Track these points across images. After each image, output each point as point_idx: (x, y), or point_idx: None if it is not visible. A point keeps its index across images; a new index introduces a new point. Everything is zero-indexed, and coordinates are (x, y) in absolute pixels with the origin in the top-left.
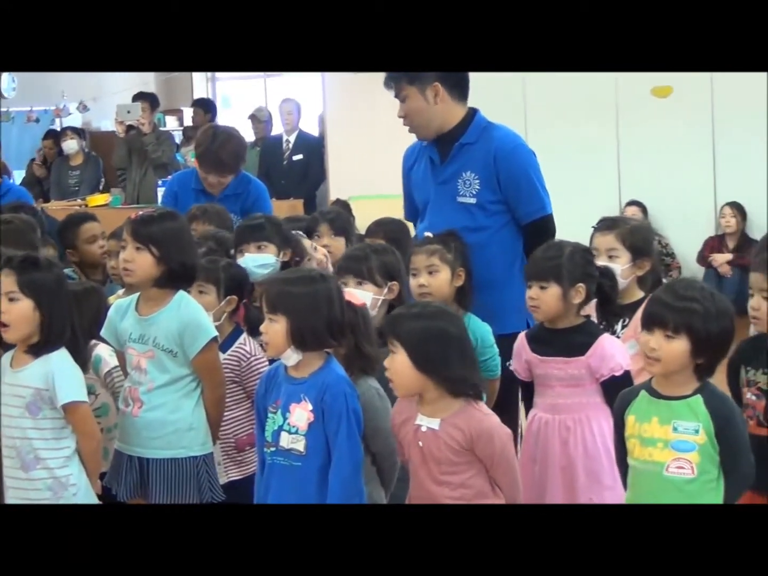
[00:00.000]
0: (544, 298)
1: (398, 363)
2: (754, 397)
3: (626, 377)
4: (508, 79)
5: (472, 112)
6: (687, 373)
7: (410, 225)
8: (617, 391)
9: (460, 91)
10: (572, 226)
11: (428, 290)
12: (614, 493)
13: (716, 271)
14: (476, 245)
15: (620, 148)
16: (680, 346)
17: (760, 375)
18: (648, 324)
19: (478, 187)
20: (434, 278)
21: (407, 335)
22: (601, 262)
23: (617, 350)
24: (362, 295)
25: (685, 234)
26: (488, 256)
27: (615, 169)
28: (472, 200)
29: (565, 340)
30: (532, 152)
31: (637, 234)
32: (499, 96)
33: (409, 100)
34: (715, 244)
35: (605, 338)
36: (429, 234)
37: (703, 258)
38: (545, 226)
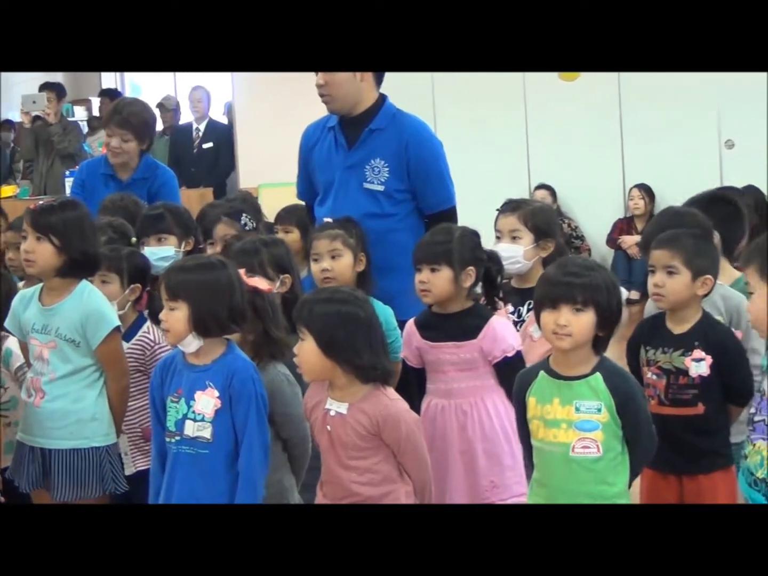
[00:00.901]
0: (435, 282)
1: (306, 349)
2: (654, 377)
3: (518, 358)
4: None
5: (382, 99)
6: (586, 349)
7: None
8: (511, 372)
9: (381, 75)
10: (482, 211)
11: (331, 275)
12: (515, 473)
13: (625, 253)
14: (380, 231)
15: (529, 132)
16: (588, 318)
17: (659, 354)
18: (554, 301)
19: (387, 174)
20: (337, 263)
21: (315, 321)
22: (504, 243)
23: (508, 331)
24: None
25: (594, 216)
26: (392, 243)
27: (524, 153)
28: (380, 187)
29: (456, 324)
30: (441, 143)
31: (539, 215)
32: (407, 81)
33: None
34: (624, 226)
35: (495, 320)
36: (329, 219)
37: (612, 240)
38: (449, 217)
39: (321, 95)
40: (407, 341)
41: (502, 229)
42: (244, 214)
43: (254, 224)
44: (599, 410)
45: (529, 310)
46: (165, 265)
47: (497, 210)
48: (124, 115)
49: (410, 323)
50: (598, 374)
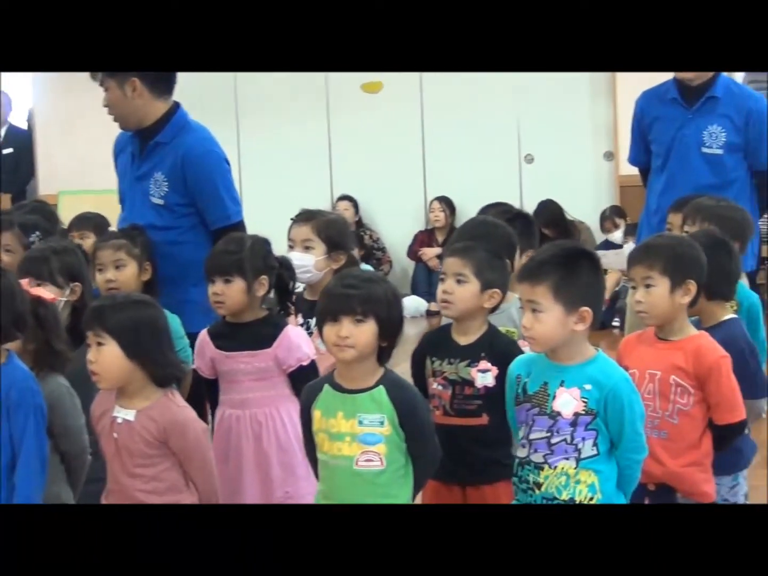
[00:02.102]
0: (229, 293)
1: (108, 354)
2: (440, 387)
3: (313, 367)
4: (218, 75)
5: (174, 109)
6: (370, 361)
7: None
8: (306, 381)
9: (163, 87)
10: (285, 221)
11: (115, 285)
12: (309, 484)
13: (426, 264)
14: (164, 244)
15: (332, 143)
16: (369, 329)
17: (446, 365)
18: (334, 314)
19: (166, 189)
20: (121, 273)
21: (117, 325)
22: (297, 252)
23: (303, 340)
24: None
25: (396, 228)
26: (175, 255)
27: (326, 164)
28: (161, 201)
29: (250, 334)
30: (225, 159)
31: (332, 227)
32: (210, 90)
33: (109, 92)
34: (424, 238)
35: (290, 329)
36: (113, 229)
37: (413, 252)
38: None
39: (110, 115)
40: (200, 352)
41: (295, 238)
42: (37, 232)
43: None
44: (382, 423)
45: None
46: None
47: (291, 219)
48: None
49: (203, 333)
50: (381, 387)
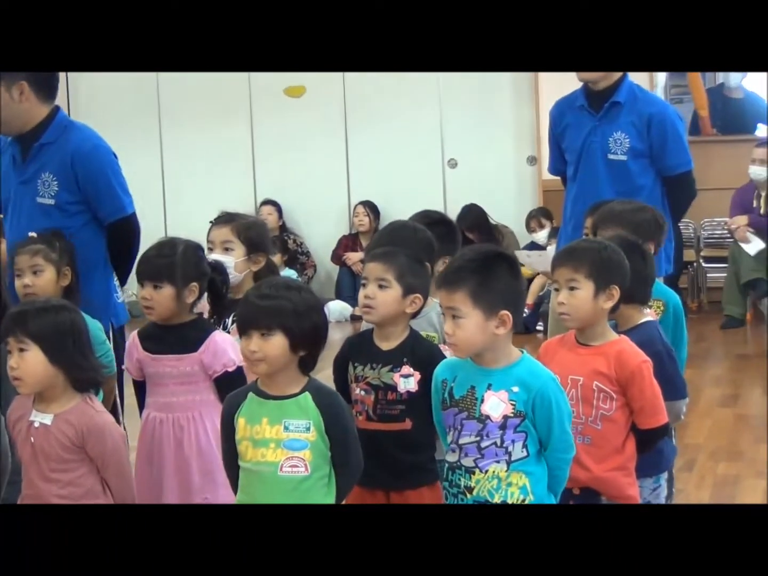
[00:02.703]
0: (158, 299)
1: (31, 359)
2: (362, 392)
3: (239, 373)
4: (140, 79)
5: (54, 111)
6: (292, 370)
7: None
8: (231, 388)
9: (48, 91)
10: (205, 226)
11: (33, 290)
12: (229, 491)
13: (350, 269)
14: None
15: (255, 147)
16: (278, 342)
17: (368, 370)
18: (243, 328)
19: (56, 188)
20: (39, 278)
21: (39, 330)
22: (216, 255)
23: (229, 345)
24: None
25: (320, 232)
26: None
27: (250, 169)
28: (51, 201)
29: (178, 337)
30: (112, 153)
31: (252, 229)
32: (132, 97)
33: None
34: (349, 242)
35: (217, 334)
36: (33, 234)
37: (337, 256)
38: (125, 226)
39: None
40: (130, 353)
41: (215, 240)
42: None
43: None
44: (308, 429)
45: (233, 322)
46: None
47: (210, 222)
48: None
49: (133, 334)
50: (307, 393)
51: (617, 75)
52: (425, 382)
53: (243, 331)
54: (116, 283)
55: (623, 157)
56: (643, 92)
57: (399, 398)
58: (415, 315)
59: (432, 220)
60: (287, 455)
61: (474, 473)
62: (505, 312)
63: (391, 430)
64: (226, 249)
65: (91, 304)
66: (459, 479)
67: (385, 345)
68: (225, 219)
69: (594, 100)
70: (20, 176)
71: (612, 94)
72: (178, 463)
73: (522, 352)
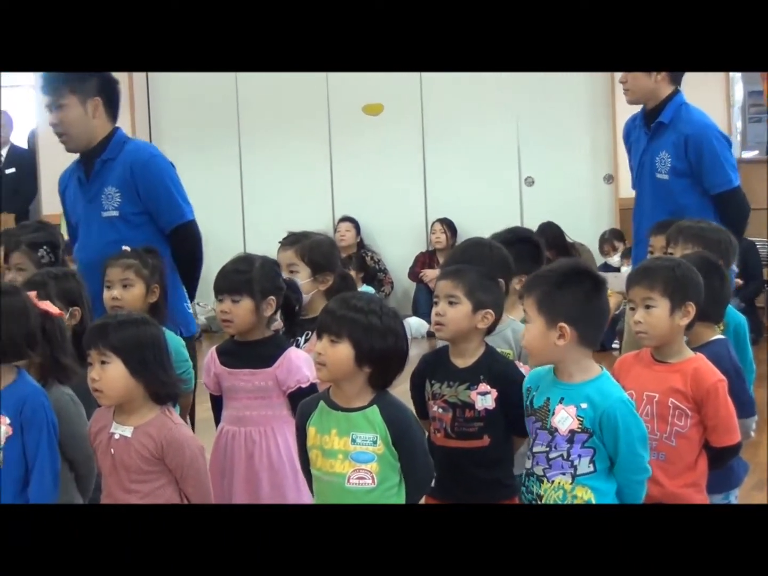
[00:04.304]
0: (237, 312)
1: (112, 371)
2: (440, 410)
3: (313, 389)
4: (220, 95)
5: (114, 130)
6: (359, 383)
7: None
8: None
9: (115, 109)
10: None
11: (121, 303)
12: None
13: (427, 286)
14: None
15: (333, 164)
16: (343, 350)
17: (445, 388)
18: (318, 331)
19: (119, 200)
20: (128, 292)
21: (121, 342)
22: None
23: (303, 362)
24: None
25: (397, 249)
26: None
27: (328, 186)
28: (116, 213)
29: (254, 352)
30: (170, 163)
31: (316, 249)
32: (213, 117)
33: (68, 109)
34: (426, 259)
35: (292, 350)
36: (126, 248)
37: (414, 273)
38: (186, 232)
39: (57, 134)
40: (208, 367)
41: (281, 262)
42: (44, 247)
43: (51, 258)
44: (375, 442)
45: (306, 341)
46: None
47: (278, 243)
48: None
49: (212, 350)
50: (375, 407)
51: (665, 94)
52: (502, 399)
53: (318, 334)
54: (185, 293)
55: (666, 177)
56: (689, 112)
57: (477, 416)
58: (489, 331)
59: (518, 237)
60: (354, 467)
61: (543, 482)
62: (564, 324)
63: (469, 447)
64: (292, 272)
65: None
66: (532, 486)
67: (461, 362)
68: (290, 241)
69: (648, 119)
70: (86, 194)
71: (659, 114)
72: (248, 475)
73: (602, 370)
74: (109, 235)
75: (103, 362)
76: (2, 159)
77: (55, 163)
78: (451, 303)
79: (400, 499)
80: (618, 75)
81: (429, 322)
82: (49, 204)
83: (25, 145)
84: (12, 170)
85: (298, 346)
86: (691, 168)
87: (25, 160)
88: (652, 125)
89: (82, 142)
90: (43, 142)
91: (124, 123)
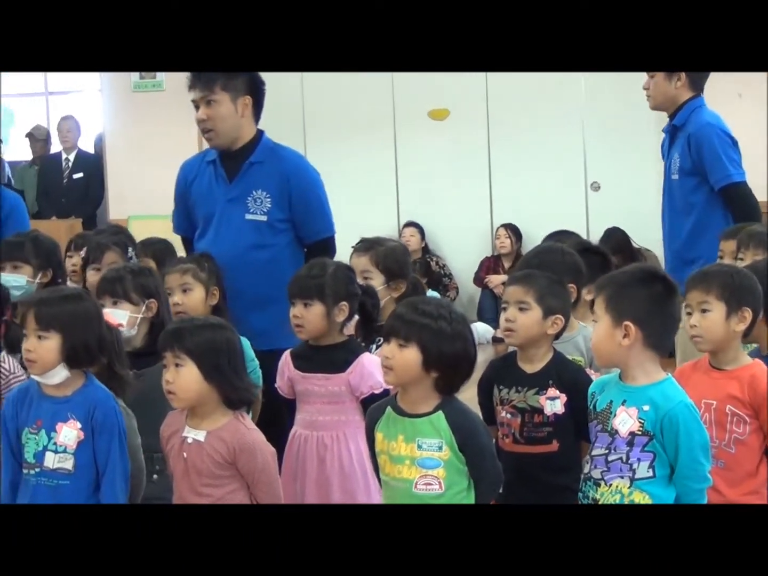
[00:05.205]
0: (308, 317)
1: (186, 375)
2: (509, 416)
3: (386, 395)
4: (286, 95)
5: (260, 133)
6: (426, 388)
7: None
8: None
9: (260, 110)
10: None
11: (182, 308)
12: None
13: (492, 291)
14: (263, 262)
15: (398, 169)
16: (411, 355)
17: (513, 393)
18: (386, 335)
19: (269, 205)
20: (188, 296)
21: (196, 346)
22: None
23: (376, 368)
24: (117, 314)
25: (462, 255)
26: (273, 274)
27: (393, 191)
28: (263, 218)
29: (327, 357)
30: (318, 173)
31: (390, 256)
32: (279, 115)
33: (218, 105)
34: (491, 264)
35: (365, 356)
36: (182, 255)
37: (479, 278)
38: (328, 246)
39: (203, 130)
40: (281, 371)
41: (355, 268)
42: (130, 248)
43: (133, 258)
44: (440, 448)
45: (377, 347)
46: (16, 294)
47: (352, 248)
48: None
49: (286, 353)
50: (440, 412)
51: (681, 100)
52: (571, 404)
53: (386, 337)
54: None
55: (677, 176)
56: (698, 114)
57: (546, 420)
58: (557, 336)
59: (585, 248)
60: (421, 473)
61: (600, 485)
62: (629, 323)
63: (537, 452)
64: (366, 278)
65: (285, 321)
66: (589, 490)
67: (530, 368)
68: (364, 247)
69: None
70: (227, 194)
71: (674, 117)
72: (319, 480)
73: (666, 374)
74: (250, 238)
75: (177, 365)
76: (70, 164)
77: (120, 168)
78: (521, 309)
79: (470, 501)
80: None
81: (494, 327)
82: (116, 209)
83: (91, 150)
84: (80, 175)
85: (370, 351)
86: (695, 166)
87: (93, 165)
88: (670, 130)
89: (228, 139)
90: (110, 147)
91: None
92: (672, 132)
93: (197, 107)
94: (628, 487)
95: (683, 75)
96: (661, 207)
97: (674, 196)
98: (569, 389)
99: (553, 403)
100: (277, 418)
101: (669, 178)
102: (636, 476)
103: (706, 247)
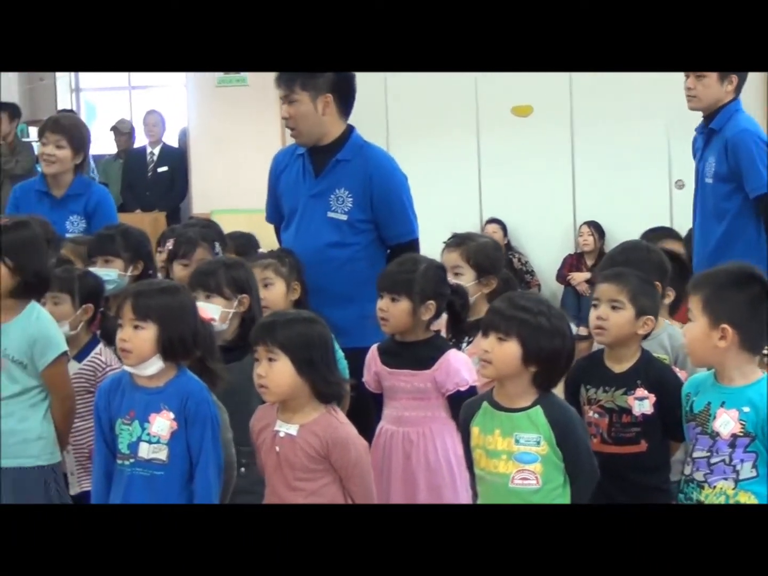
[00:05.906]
0: (393, 311)
1: (279, 368)
2: (596, 416)
3: (472, 392)
4: (369, 93)
5: (349, 129)
6: (524, 383)
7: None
8: None
9: (346, 107)
10: (434, 243)
11: (264, 303)
12: None
13: (575, 289)
14: (342, 260)
15: (481, 166)
16: (511, 349)
17: (600, 393)
18: (484, 329)
19: (350, 204)
20: (269, 291)
21: (289, 340)
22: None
23: (463, 365)
24: (210, 308)
25: (545, 252)
26: (352, 272)
27: (476, 187)
28: (344, 217)
29: (413, 353)
30: (405, 176)
31: (481, 252)
32: (361, 112)
33: (299, 104)
34: (573, 262)
35: (452, 353)
36: (263, 249)
37: (562, 276)
38: (410, 249)
39: (289, 127)
40: (368, 366)
41: (446, 264)
42: (217, 243)
43: (221, 253)
44: (538, 443)
45: (468, 344)
46: (108, 288)
47: (443, 243)
48: (58, 120)
49: (373, 348)
50: (538, 407)
51: (721, 103)
52: (659, 404)
53: (484, 331)
54: None
55: (711, 181)
56: (736, 118)
57: (634, 421)
58: (645, 336)
59: (668, 255)
60: (518, 468)
61: (703, 488)
62: (726, 326)
63: (626, 452)
64: (456, 273)
65: (367, 318)
66: (692, 492)
67: (617, 367)
68: (455, 242)
69: (704, 127)
70: (311, 189)
71: (711, 121)
72: (405, 476)
73: (764, 374)
74: (330, 236)
75: (270, 359)
76: (155, 158)
77: (204, 162)
78: (614, 307)
79: (565, 499)
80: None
81: (576, 325)
82: (199, 203)
83: (176, 144)
84: (164, 169)
85: (460, 348)
86: (732, 172)
87: (177, 159)
88: (705, 132)
89: (313, 137)
90: (194, 142)
91: None
92: (707, 134)
93: (282, 103)
94: (733, 489)
95: (735, 77)
96: (692, 209)
97: (707, 201)
98: (657, 389)
99: (642, 404)
100: (361, 412)
101: (702, 181)
102: (740, 477)
103: (736, 255)
